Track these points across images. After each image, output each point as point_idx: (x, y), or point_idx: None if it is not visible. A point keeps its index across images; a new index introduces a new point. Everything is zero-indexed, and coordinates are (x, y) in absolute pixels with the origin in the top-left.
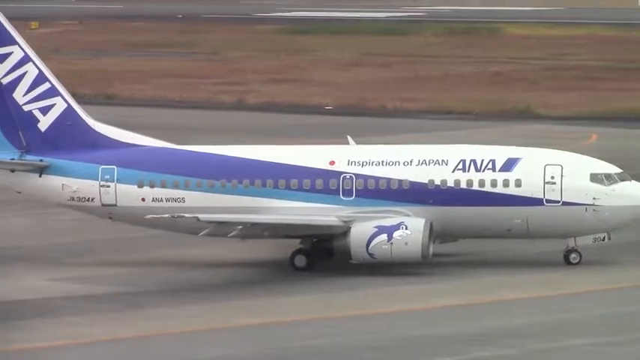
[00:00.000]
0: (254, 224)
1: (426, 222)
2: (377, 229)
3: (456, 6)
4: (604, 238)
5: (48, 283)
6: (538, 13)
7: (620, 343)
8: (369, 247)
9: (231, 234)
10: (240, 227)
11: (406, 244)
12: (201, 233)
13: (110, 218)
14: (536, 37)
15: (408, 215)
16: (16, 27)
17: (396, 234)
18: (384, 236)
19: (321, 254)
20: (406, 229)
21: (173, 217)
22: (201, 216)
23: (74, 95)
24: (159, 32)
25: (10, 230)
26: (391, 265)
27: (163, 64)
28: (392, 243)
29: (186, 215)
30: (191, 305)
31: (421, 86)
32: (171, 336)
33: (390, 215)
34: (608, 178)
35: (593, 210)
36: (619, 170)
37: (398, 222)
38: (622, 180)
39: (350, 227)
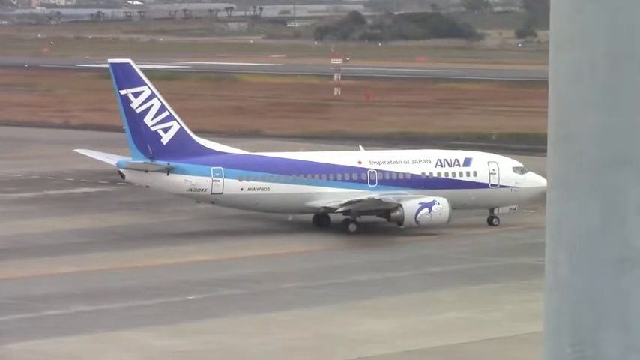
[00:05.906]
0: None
1: (448, 200)
2: (421, 205)
3: (163, 62)
4: (515, 208)
5: None
6: (264, 68)
7: (320, 286)
8: (417, 217)
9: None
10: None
11: (440, 214)
12: (337, 210)
13: (212, 203)
14: (263, 83)
15: (408, 196)
16: None
17: (434, 208)
18: (427, 209)
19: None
20: (439, 204)
21: (363, 200)
22: (382, 197)
23: None
24: (11, 76)
25: None
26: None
27: (13, 97)
28: (431, 214)
29: (365, 198)
30: (36, 258)
31: (188, 115)
32: (17, 278)
33: (422, 196)
34: (521, 170)
35: (515, 190)
36: (522, 165)
37: (432, 200)
38: (527, 172)
39: (401, 204)
